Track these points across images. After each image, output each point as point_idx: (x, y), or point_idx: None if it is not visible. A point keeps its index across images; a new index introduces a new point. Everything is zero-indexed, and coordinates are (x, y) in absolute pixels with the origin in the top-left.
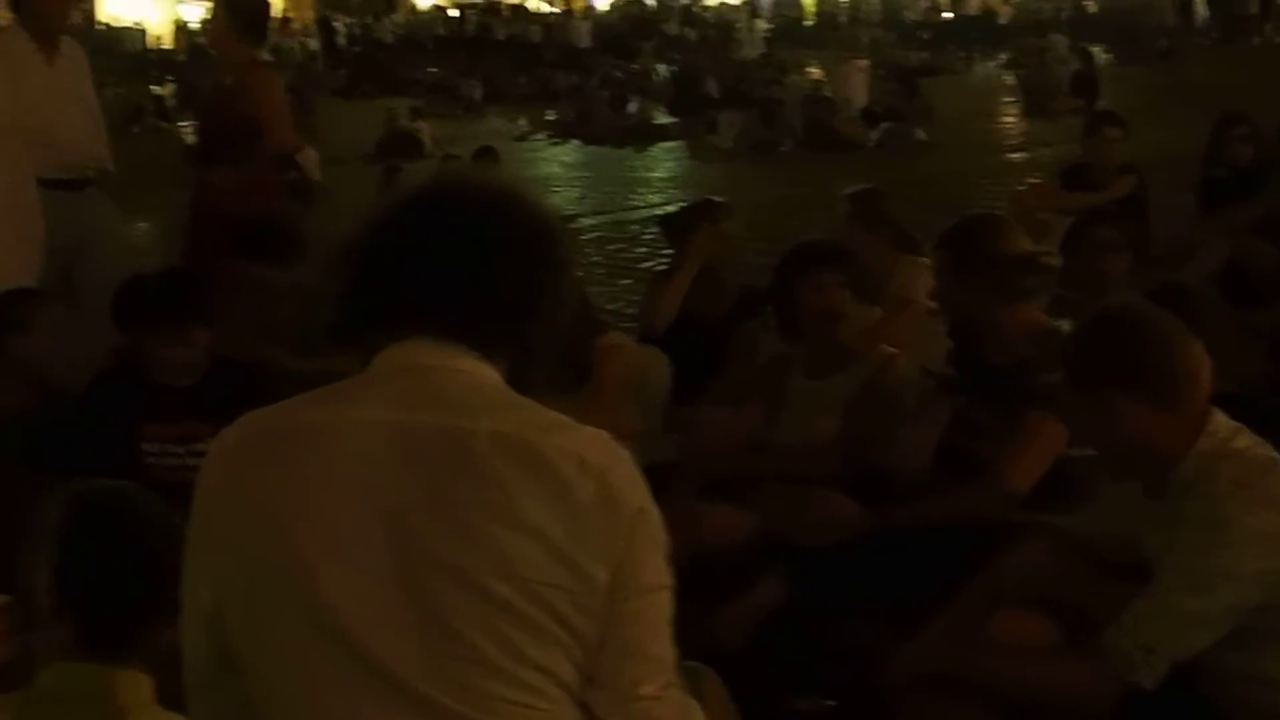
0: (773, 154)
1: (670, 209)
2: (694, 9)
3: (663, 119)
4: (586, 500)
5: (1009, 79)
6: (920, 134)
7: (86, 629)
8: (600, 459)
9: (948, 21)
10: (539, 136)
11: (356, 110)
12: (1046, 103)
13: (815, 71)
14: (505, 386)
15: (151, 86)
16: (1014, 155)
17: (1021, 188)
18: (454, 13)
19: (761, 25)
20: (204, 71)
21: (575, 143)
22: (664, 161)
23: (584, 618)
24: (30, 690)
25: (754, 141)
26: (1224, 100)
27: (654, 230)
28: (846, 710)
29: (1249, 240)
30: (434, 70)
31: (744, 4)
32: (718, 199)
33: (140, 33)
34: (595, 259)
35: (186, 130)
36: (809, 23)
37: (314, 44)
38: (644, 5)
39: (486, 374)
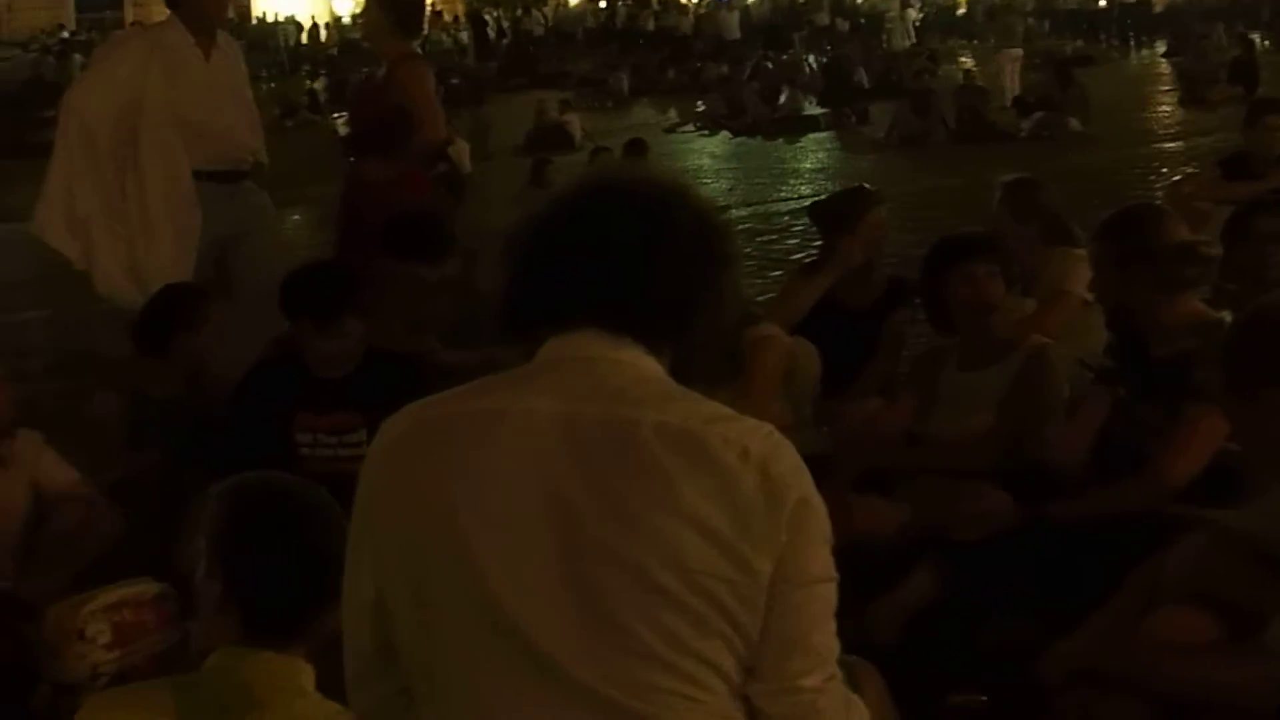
0: (924, 144)
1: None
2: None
3: (813, 110)
4: (750, 491)
5: (1165, 67)
6: (1074, 124)
7: (253, 618)
8: (763, 450)
9: (1103, 9)
10: (688, 128)
11: (506, 103)
12: (1204, 91)
13: (967, 61)
14: (668, 378)
15: (305, 80)
16: (1170, 145)
17: (1179, 177)
18: (603, 5)
19: (913, 14)
20: (356, 65)
21: (725, 134)
22: (814, 153)
23: (746, 609)
24: (195, 675)
25: (905, 132)
26: None
27: (805, 222)
28: (1000, 706)
29: None
30: (583, 63)
31: None
32: (869, 187)
33: (294, 27)
34: (745, 251)
35: (339, 123)
36: (961, 11)
37: (465, 37)
38: None
39: (650, 366)
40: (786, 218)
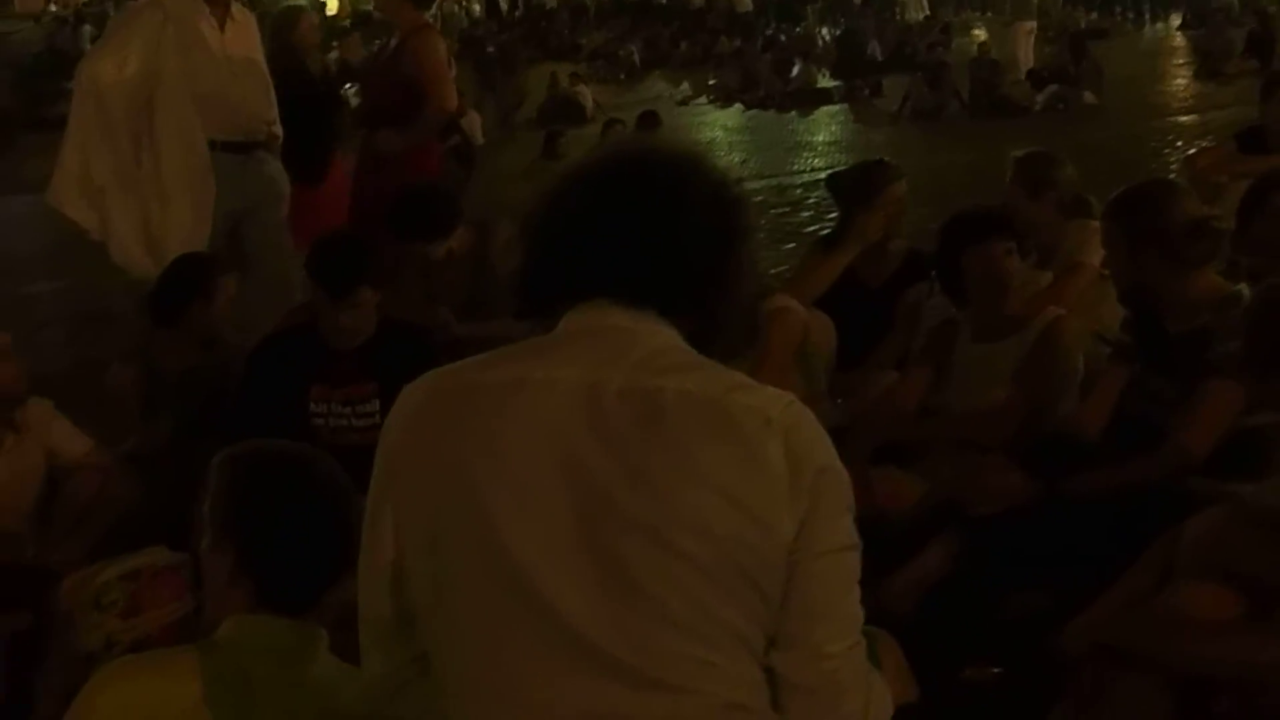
0: (938, 118)
1: None
2: None
3: (826, 83)
4: (773, 458)
5: (1180, 40)
6: (1089, 97)
7: (267, 588)
8: (785, 418)
9: None
10: (701, 101)
11: (526, 77)
12: (1220, 64)
13: (981, 34)
14: (689, 348)
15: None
16: (1185, 118)
17: (1194, 151)
18: None
19: None
20: (368, 38)
21: (737, 107)
22: (827, 126)
23: (769, 575)
24: (209, 642)
25: (919, 105)
26: None
27: (819, 195)
28: (1016, 679)
29: None
30: (595, 36)
31: None
32: (889, 161)
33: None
34: (759, 224)
35: (351, 94)
36: None
37: (478, 9)
38: None
39: (671, 336)
40: (800, 190)
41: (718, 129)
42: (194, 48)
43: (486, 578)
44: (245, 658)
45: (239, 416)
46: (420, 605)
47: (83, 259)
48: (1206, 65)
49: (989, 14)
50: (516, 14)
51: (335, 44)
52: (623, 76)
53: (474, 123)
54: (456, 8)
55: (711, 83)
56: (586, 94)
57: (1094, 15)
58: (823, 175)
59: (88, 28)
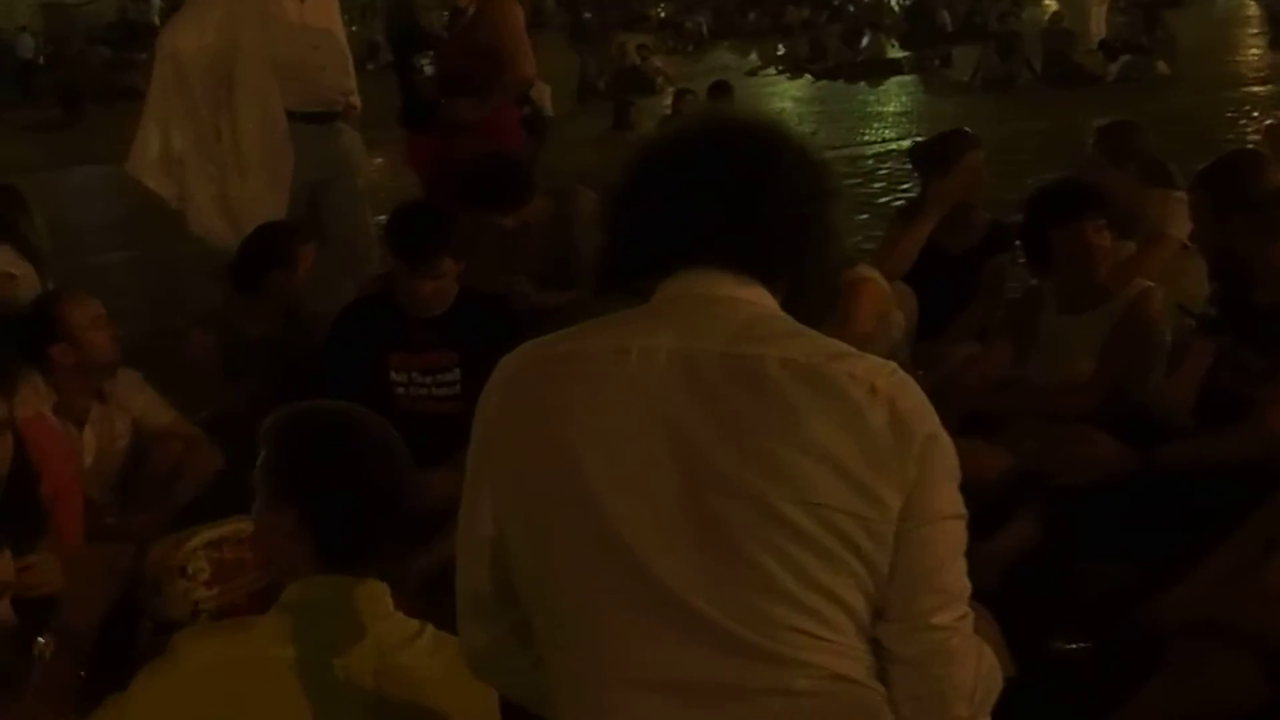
0: (1009, 88)
1: (905, 144)
2: None
3: (896, 53)
4: (878, 426)
5: (1254, 9)
6: (1161, 67)
7: (331, 546)
8: (890, 386)
9: None
10: (770, 71)
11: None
12: None
13: (1052, 3)
14: (787, 315)
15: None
16: (1259, 88)
17: (1270, 121)
18: None
19: None
20: (437, 7)
21: (806, 78)
22: (898, 96)
23: (876, 545)
24: (276, 606)
25: (990, 75)
26: None
27: (890, 165)
28: (1103, 653)
29: None
30: (663, 6)
31: None
32: (967, 130)
33: None
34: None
35: (424, 64)
36: None
37: None
38: None
39: (770, 303)
40: (871, 161)
41: (787, 99)
42: (273, 19)
43: (589, 546)
44: (307, 620)
45: (320, 383)
46: (521, 576)
47: (154, 229)
48: None
49: None
50: None
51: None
52: (691, 47)
53: (544, 93)
54: None
55: (780, 53)
56: (655, 64)
57: None
58: (894, 146)
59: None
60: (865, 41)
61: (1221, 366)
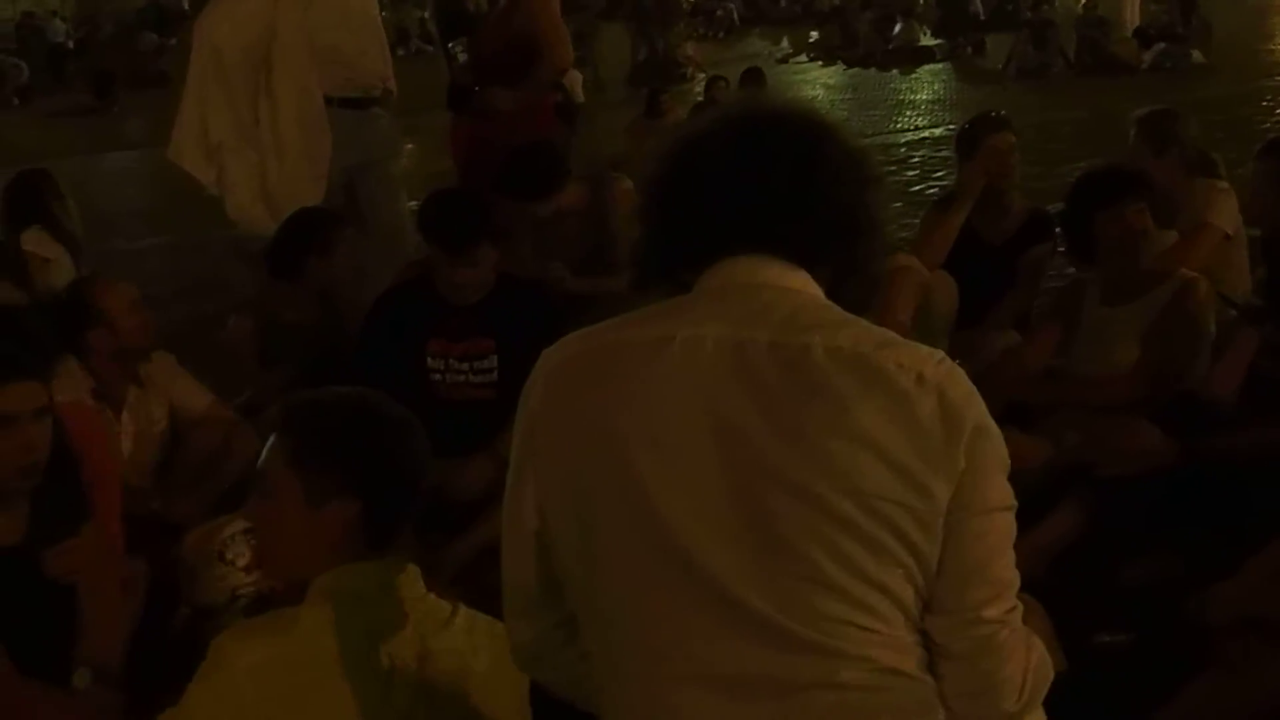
0: (1043, 76)
1: (938, 132)
2: None
3: (928, 41)
4: (927, 416)
5: None
6: (1197, 55)
7: (379, 534)
8: (938, 375)
9: None
10: (801, 59)
11: (614, 33)
12: None
13: None
14: (832, 304)
15: (415, 9)
16: None
17: None
18: None
19: None
20: None
21: (838, 65)
22: (930, 84)
23: (925, 536)
24: (314, 595)
25: (1023, 64)
26: None
27: (923, 153)
28: (1149, 646)
29: None
30: None
31: None
32: (997, 113)
33: None
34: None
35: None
36: None
37: None
38: None
39: (816, 291)
40: (904, 149)
41: (819, 87)
42: (312, 3)
43: (636, 538)
44: (345, 607)
45: (357, 369)
46: (567, 569)
47: (185, 214)
48: None
49: None
50: None
51: None
52: (721, 34)
53: (575, 80)
54: None
55: (811, 40)
56: (686, 52)
57: None
58: (926, 134)
59: None
60: (897, 29)
61: (1266, 355)
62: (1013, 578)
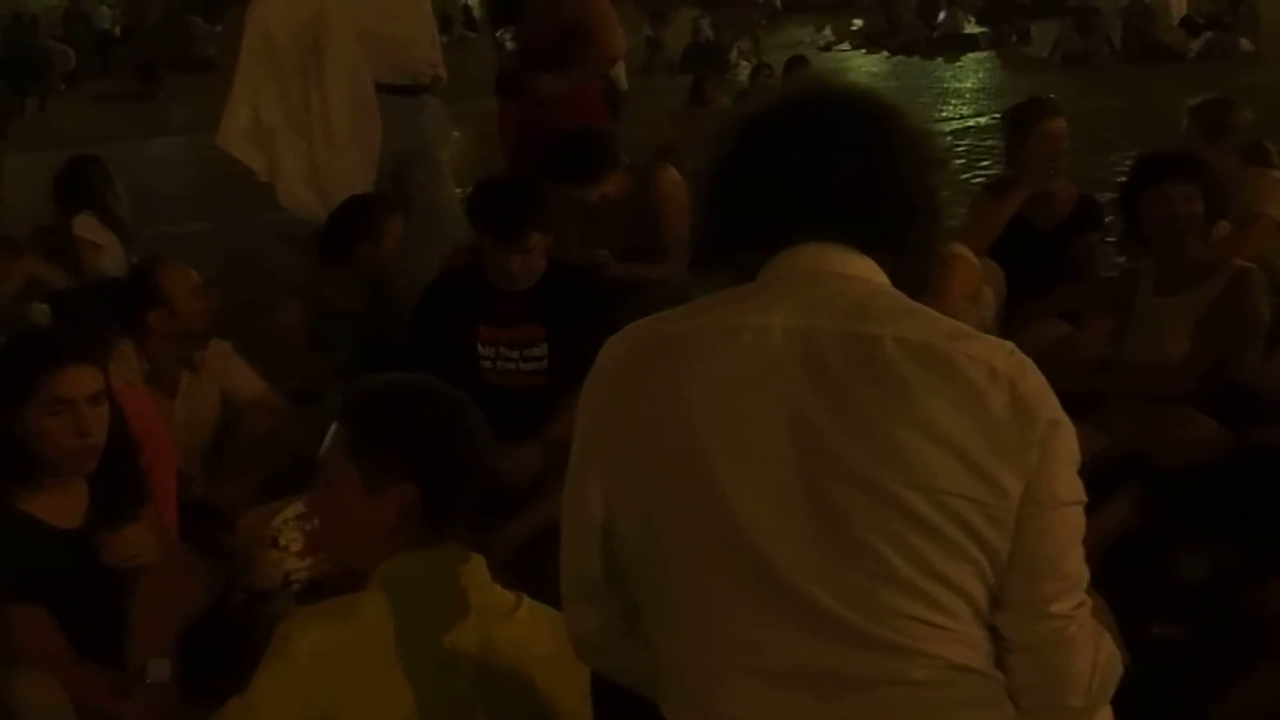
0: (1089, 64)
1: (983, 120)
2: None
3: (972, 29)
4: (999, 409)
5: None
6: (1245, 43)
7: (439, 520)
8: (1010, 368)
9: None
10: (844, 47)
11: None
12: None
13: None
14: (899, 293)
15: None
16: None
17: None
18: None
19: None
20: None
21: (882, 53)
22: (974, 72)
23: (996, 531)
24: (375, 582)
25: (1069, 51)
26: None
27: (969, 142)
28: (1204, 638)
29: None
30: None
31: None
32: (1048, 97)
33: None
34: None
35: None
36: None
37: None
38: None
39: (882, 280)
40: (949, 138)
41: (862, 75)
42: None
43: (701, 528)
44: (407, 595)
45: (408, 354)
46: (633, 560)
47: (232, 200)
48: None
49: None
50: None
51: None
52: (764, 21)
53: (619, 68)
54: None
55: (855, 28)
56: (749, 40)
57: None
58: (971, 123)
59: None
60: (942, 16)
61: None
62: (1082, 573)
